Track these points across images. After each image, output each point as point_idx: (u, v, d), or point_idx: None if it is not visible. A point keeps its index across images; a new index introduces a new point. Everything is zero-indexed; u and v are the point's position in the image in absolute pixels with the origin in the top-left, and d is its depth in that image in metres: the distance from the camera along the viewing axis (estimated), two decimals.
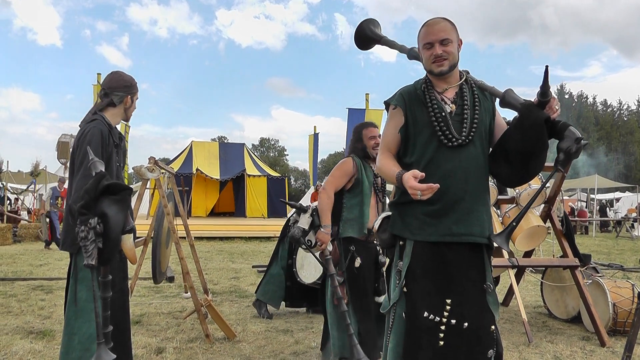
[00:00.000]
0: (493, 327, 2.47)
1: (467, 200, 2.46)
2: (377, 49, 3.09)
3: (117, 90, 3.31)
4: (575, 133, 2.23)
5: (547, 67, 2.22)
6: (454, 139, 2.46)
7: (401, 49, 2.93)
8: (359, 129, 4.23)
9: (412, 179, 2.27)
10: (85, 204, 2.12)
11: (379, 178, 4.11)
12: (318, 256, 3.80)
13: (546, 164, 2.59)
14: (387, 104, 2.63)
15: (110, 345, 2.33)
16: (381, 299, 3.96)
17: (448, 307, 2.40)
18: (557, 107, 2.31)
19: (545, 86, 2.27)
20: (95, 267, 2.10)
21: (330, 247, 3.88)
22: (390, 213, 2.64)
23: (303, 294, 5.91)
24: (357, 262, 3.96)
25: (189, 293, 6.66)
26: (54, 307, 6.14)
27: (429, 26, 2.52)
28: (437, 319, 2.39)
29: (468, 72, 2.65)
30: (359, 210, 4.02)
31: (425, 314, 2.39)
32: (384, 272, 3.94)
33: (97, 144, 3.03)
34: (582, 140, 2.22)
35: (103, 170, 2.24)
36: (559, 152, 2.27)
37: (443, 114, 2.48)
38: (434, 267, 2.45)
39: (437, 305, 2.40)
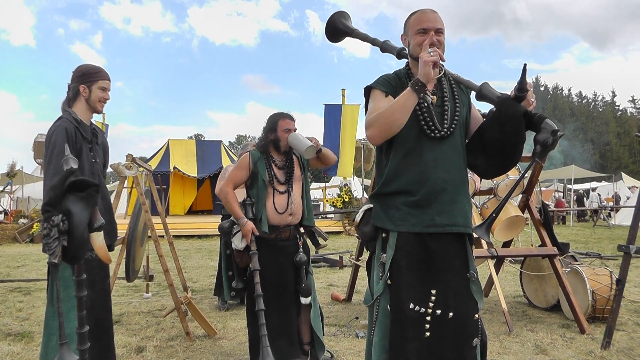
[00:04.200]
0: (477, 315, 2.47)
1: (449, 191, 2.44)
2: (350, 44, 3.08)
3: (73, 82, 3.24)
4: (551, 125, 2.25)
5: (525, 65, 2.24)
6: (436, 130, 2.44)
7: (374, 41, 2.89)
8: (274, 118, 3.98)
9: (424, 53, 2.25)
10: (49, 201, 2.07)
11: (282, 169, 3.95)
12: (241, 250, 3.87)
13: (524, 155, 2.59)
14: (370, 88, 2.54)
15: (88, 345, 2.28)
16: (307, 300, 3.86)
17: (433, 298, 2.38)
18: (533, 100, 2.32)
19: (522, 82, 2.28)
20: (57, 265, 2.04)
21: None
22: (371, 205, 2.60)
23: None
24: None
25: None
26: (32, 309, 6.05)
27: (424, 14, 2.48)
28: (423, 310, 2.37)
29: (443, 66, 2.63)
30: (258, 206, 3.88)
31: (411, 305, 2.37)
32: (303, 270, 3.89)
33: (62, 141, 2.97)
34: (558, 132, 2.24)
35: (75, 167, 2.18)
36: (536, 144, 2.28)
37: (426, 104, 2.45)
38: (418, 258, 2.42)
39: (422, 297, 2.39)
